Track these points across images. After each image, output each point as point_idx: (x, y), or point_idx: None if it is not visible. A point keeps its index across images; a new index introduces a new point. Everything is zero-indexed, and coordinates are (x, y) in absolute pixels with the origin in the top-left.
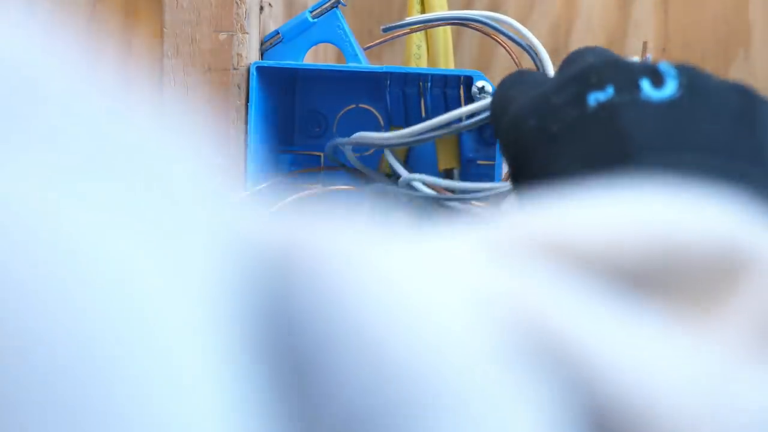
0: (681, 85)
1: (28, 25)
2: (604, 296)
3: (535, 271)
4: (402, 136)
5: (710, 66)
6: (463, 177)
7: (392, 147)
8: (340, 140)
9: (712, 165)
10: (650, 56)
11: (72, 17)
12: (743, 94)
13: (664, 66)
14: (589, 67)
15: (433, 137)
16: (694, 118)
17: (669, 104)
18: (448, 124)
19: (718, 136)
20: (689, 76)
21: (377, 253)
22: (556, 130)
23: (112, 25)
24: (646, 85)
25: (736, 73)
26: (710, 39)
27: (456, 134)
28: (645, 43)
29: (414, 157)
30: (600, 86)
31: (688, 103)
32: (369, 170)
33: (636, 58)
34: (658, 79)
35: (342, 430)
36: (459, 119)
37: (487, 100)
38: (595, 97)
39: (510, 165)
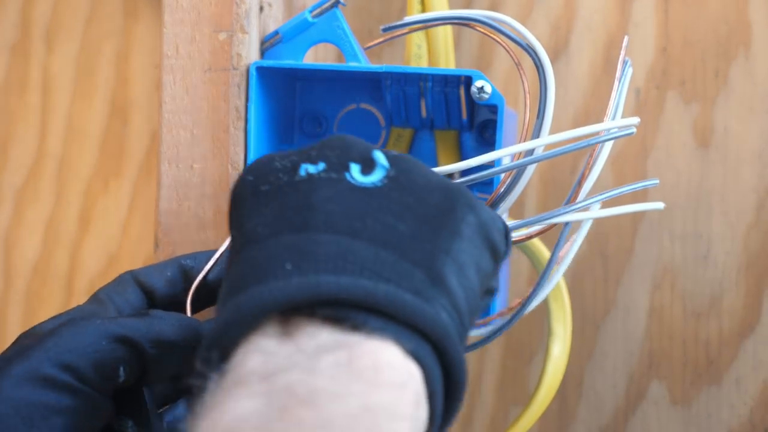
0: (387, 177)
1: None
2: None
3: None
4: None
5: (710, 66)
6: (464, 177)
7: None
8: None
9: (379, 258)
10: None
11: (72, 17)
12: (448, 196)
13: (381, 156)
14: (319, 143)
15: None
16: (384, 209)
17: (368, 191)
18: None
19: (400, 232)
20: (400, 169)
21: None
22: (265, 189)
23: (112, 25)
24: (355, 169)
25: (736, 73)
26: (710, 39)
27: (457, 135)
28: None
29: (414, 156)
30: (314, 161)
31: (386, 194)
32: None
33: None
34: (368, 166)
35: None
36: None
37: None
38: (305, 168)
39: (228, 213)
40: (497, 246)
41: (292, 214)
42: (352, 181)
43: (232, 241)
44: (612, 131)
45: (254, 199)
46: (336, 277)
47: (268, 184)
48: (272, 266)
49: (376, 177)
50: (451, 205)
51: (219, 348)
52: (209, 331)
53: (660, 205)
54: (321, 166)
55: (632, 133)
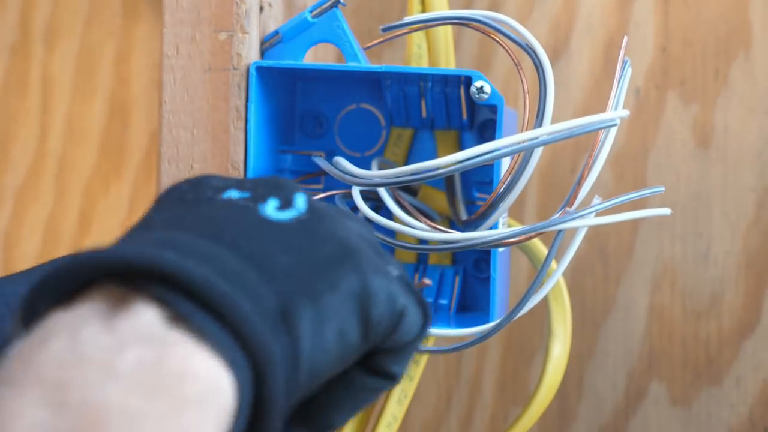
0: (298, 219)
1: None
2: None
3: None
4: (373, 178)
5: (710, 66)
6: (464, 176)
7: (360, 187)
8: (316, 159)
9: (242, 271)
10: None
11: (72, 17)
12: (344, 252)
13: (302, 201)
14: (263, 179)
15: (413, 181)
16: (275, 240)
17: (270, 224)
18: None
19: (276, 262)
20: (315, 217)
21: None
22: (189, 198)
23: (112, 25)
24: (272, 203)
25: (736, 73)
26: (710, 39)
27: (457, 135)
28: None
29: (414, 156)
30: (243, 189)
31: (285, 230)
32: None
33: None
34: (285, 205)
35: None
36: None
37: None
38: (230, 194)
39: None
40: (371, 323)
41: (191, 219)
42: (262, 212)
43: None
44: (604, 122)
45: (175, 201)
46: (182, 259)
47: (193, 195)
48: (131, 240)
49: (286, 215)
50: (342, 260)
51: (30, 308)
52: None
53: (666, 210)
54: (245, 194)
55: (615, 124)
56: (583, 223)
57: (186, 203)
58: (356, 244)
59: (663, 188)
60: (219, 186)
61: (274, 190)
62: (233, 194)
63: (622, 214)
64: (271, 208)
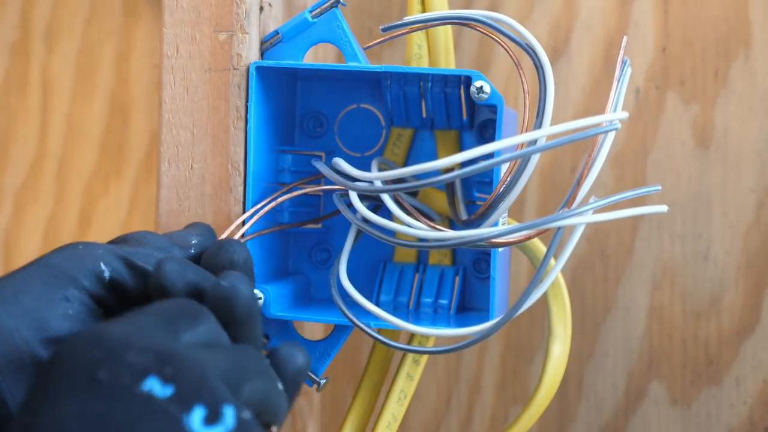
0: None
1: None
2: None
3: None
4: (373, 182)
5: (710, 66)
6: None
7: (358, 192)
8: (315, 162)
9: None
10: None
11: (72, 17)
12: None
13: (230, 414)
14: (178, 357)
15: (413, 188)
16: None
17: None
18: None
19: None
20: None
21: None
22: (101, 378)
23: (112, 25)
24: (198, 415)
25: (736, 73)
26: (710, 39)
27: (457, 135)
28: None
29: (414, 156)
30: (166, 379)
31: None
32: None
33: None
34: (212, 418)
35: None
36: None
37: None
38: (151, 385)
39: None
40: None
41: (107, 428)
42: (188, 427)
43: (39, 396)
44: (605, 125)
45: (84, 380)
46: None
47: (107, 374)
48: None
49: None
50: None
51: None
52: None
53: (663, 208)
54: (168, 390)
55: (617, 128)
56: (580, 221)
57: (97, 390)
58: None
59: (660, 187)
60: (136, 368)
61: (199, 392)
62: (155, 388)
63: (619, 211)
64: (197, 421)
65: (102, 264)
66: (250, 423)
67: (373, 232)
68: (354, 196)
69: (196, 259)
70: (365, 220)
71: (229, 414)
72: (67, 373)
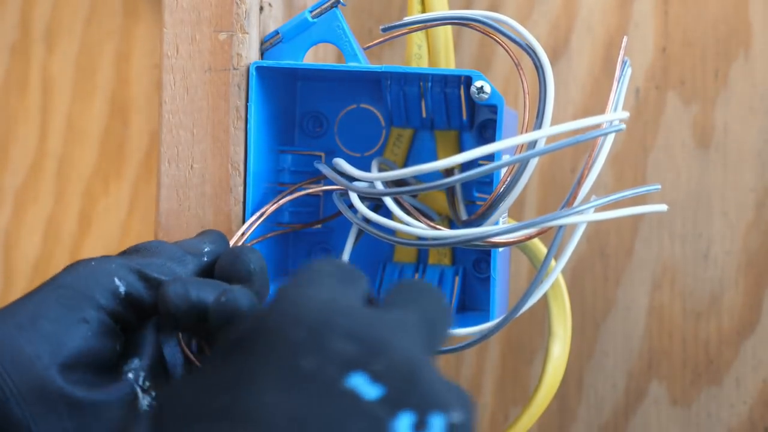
0: None
1: None
2: None
3: None
4: (375, 185)
5: (710, 66)
6: (464, 172)
7: (360, 194)
8: (318, 164)
9: None
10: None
11: (72, 17)
12: None
13: (440, 422)
14: (388, 348)
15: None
16: None
17: None
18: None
19: None
20: None
21: None
22: (304, 363)
23: (112, 25)
24: (405, 421)
25: (736, 73)
26: (710, 39)
27: (457, 135)
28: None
29: (414, 156)
30: (375, 377)
31: None
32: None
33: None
34: (420, 427)
35: None
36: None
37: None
38: (357, 381)
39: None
40: None
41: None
42: (389, 427)
43: (234, 370)
44: (608, 126)
45: (287, 367)
46: None
47: (311, 363)
48: None
49: None
50: None
51: None
52: None
53: (663, 207)
54: (377, 391)
55: (622, 129)
56: (581, 219)
57: (301, 379)
58: None
59: (659, 186)
60: (343, 358)
61: (410, 394)
62: (361, 386)
63: (619, 210)
64: (404, 428)
65: (117, 279)
66: (458, 429)
67: (374, 231)
68: (354, 197)
69: (210, 267)
70: (366, 220)
71: (437, 423)
72: (269, 352)
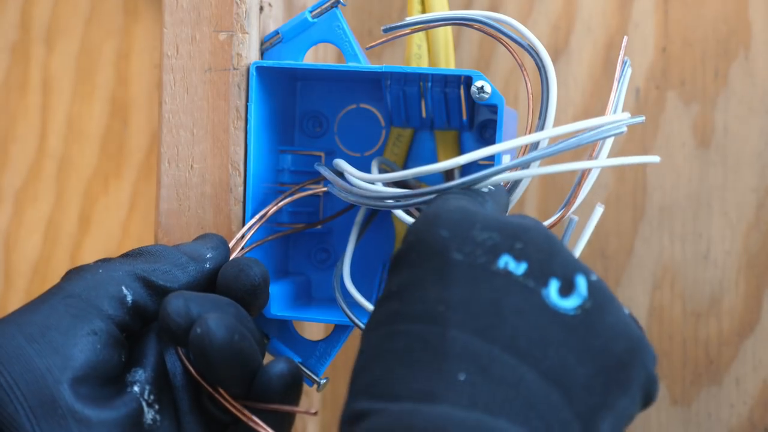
0: (582, 307)
1: None
2: None
3: None
4: (371, 192)
5: (710, 66)
6: (465, 175)
7: (358, 202)
8: (318, 166)
9: (549, 401)
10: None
11: (72, 17)
12: (632, 348)
13: (582, 281)
14: (522, 230)
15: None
16: (569, 344)
17: (558, 318)
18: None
19: (576, 375)
20: (596, 303)
21: None
22: (457, 258)
23: (112, 25)
24: (554, 286)
25: (736, 73)
26: (710, 39)
27: (457, 135)
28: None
29: (414, 156)
30: (517, 256)
31: (575, 328)
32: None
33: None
34: (567, 288)
35: None
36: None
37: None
38: (506, 262)
39: (402, 252)
40: (650, 401)
41: (479, 312)
42: (547, 301)
43: (398, 281)
44: (608, 127)
45: (442, 262)
46: (496, 420)
47: (461, 254)
48: (447, 372)
49: (571, 304)
50: (631, 359)
51: None
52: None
53: (656, 158)
54: (522, 267)
55: (623, 132)
56: (589, 165)
57: (457, 269)
58: (637, 333)
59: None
60: (487, 243)
61: (551, 264)
62: (509, 264)
63: (614, 158)
64: (554, 295)
65: (124, 288)
66: (599, 285)
67: (379, 204)
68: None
69: (212, 275)
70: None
71: (581, 283)
72: (423, 258)
